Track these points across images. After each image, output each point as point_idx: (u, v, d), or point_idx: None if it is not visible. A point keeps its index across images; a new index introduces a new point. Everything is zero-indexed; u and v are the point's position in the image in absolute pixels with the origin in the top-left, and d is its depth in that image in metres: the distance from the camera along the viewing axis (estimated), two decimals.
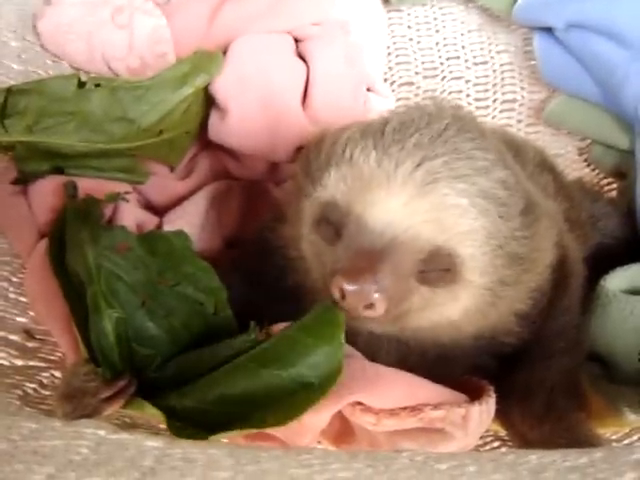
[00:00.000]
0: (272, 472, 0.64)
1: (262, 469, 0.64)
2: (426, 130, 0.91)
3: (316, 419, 0.90)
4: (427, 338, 1.00)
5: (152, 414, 0.89)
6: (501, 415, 1.04)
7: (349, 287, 0.82)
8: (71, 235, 1.08)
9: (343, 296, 0.83)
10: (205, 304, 1.03)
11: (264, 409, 0.85)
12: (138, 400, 0.91)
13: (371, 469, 0.67)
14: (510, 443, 1.13)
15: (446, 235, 0.86)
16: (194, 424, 0.86)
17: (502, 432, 1.12)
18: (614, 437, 1.11)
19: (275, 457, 0.70)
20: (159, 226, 1.27)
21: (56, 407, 0.90)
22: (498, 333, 1.03)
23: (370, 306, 0.83)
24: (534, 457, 0.73)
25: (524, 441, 1.06)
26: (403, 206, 0.85)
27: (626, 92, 1.39)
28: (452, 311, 0.93)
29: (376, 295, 0.82)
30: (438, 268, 0.88)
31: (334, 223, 0.90)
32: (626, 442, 1.10)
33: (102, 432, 0.74)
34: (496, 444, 1.15)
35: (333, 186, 0.91)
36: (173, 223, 1.27)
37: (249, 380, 0.87)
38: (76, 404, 0.89)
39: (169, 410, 0.88)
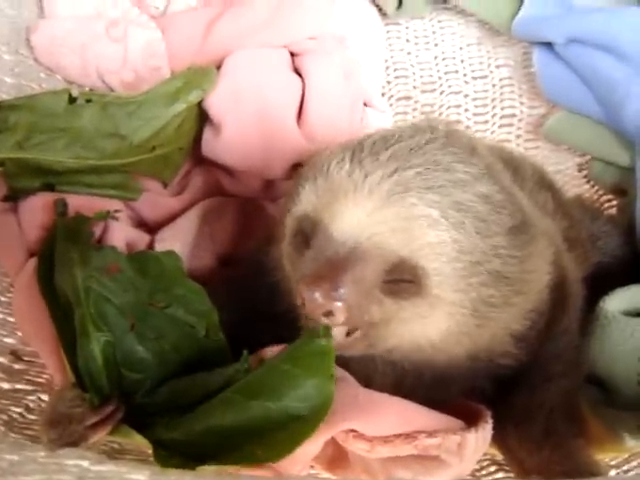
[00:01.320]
0: None
1: None
2: (406, 142, 0.90)
3: (308, 447, 0.88)
4: (417, 360, 0.98)
5: (139, 442, 0.87)
6: (498, 439, 1.02)
7: (308, 294, 0.82)
8: (60, 254, 1.06)
9: (304, 303, 0.83)
10: (196, 327, 1.01)
11: (254, 441, 0.83)
12: (125, 427, 0.89)
13: None
14: (507, 468, 1.11)
15: (411, 246, 0.85)
16: (182, 455, 0.84)
17: (499, 456, 1.10)
18: (613, 463, 1.09)
19: None
20: (151, 244, 1.26)
21: (41, 433, 0.88)
22: (494, 355, 1.01)
23: (329, 314, 0.83)
24: None
25: (522, 467, 1.03)
26: (367, 215, 0.84)
27: (627, 109, 1.38)
28: (429, 330, 0.91)
29: (335, 303, 0.82)
30: (402, 279, 0.86)
31: (305, 234, 0.90)
32: (625, 468, 1.08)
33: (85, 463, 0.72)
34: (493, 468, 1.13)
35: (307, 199, 0.91)
36: (165, 242, 1.25)
37: (237, 412, 0.85)
38: (61, 431, 0.87)
39: (157, 440, 0.85)
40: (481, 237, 0.87)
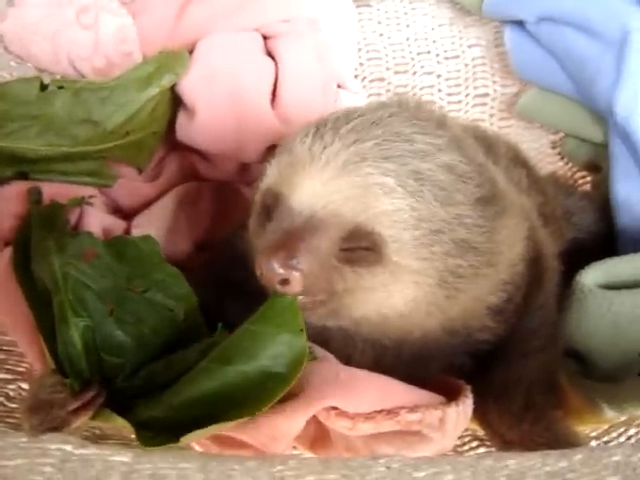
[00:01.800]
0: None
1: None
2: (369, 116, 0.91)
3: (290, 424, 0.88)
4: (394, 336, 0.99)
5: (121, 425, 0.87)
6: (479, 414, 1.03)
7: (265, 264, 0.84)
8: (36, 243, 1.05)
9: (262, 273, 0.85)
10: (175, 310, 1.01)
11: (234, 406, 0.83)
12: (107, 411, 0.89)
13: None
14: (489, 443, 1.12)
15: (367, 213, 0.86)
16: (164, 431, 0.84)
17: (480, 432, 1.11)
18: (593, 434, 1.11)
19: (247, 471, 0.68)
20: (127, 230, 1.25)
21: (23, 420, 0.88)
22: (472, 329, 1.02)
23: (285, 282, 0.85)
24: (513, 462, 0.72)
25: (503, 441, 1.05)
26: (323, 185, 0.86)
27: (598, 85, 1.39)
28: (394, 300, 0.91)
29: (291, 272, 0.84)
30: (360, 247, 0.87)
31: (268, 208, 0.92)
32: (605, 439, 1.09)
33: (68, 447, 0.72)
34: (474, 444, 1.14)
35: (271, 174, 0.94)
36: (141, 228, 1.25)
37: (214, 380, 0.86)
38: (43, 417, 0.86)
39: (138, 422, 0.85)
40: (442, 205, 0.88)
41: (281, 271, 0.84)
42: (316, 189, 0.87)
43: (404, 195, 0.86)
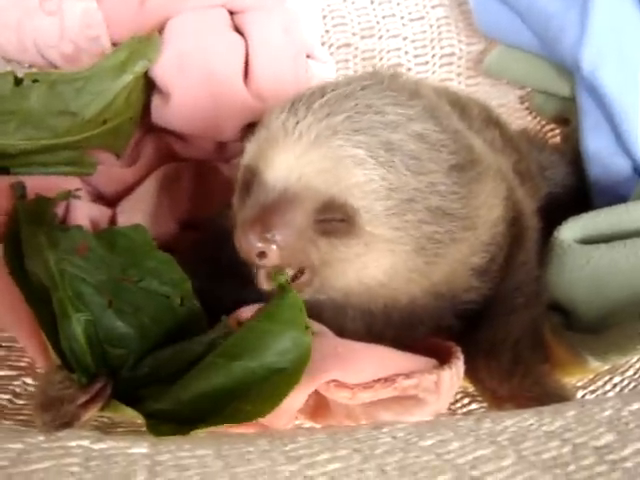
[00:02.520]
0: (263, 472, 0.65)
1: (254, 470, 0.65)
2: (341, 90, 0.93)
3: (292, 400, 0.90)
4: (381, 303, 1.02)
5: (131, 415, 0.89)
6: (469, 373, 1.06)
7: (242, 238, 0.88)
8: (27, 238, 1.06)
9: (241, 247, 0.89)
10: (171, 297, 1.02)
11: (241, 400, 0.86)
12: (115, 402, 0.91)
13: (358, 455, 0.68)
14: (480, 399, 1.16)
15: (339, 185, 0.89)
16: (173, 422, 0.86)
17: (471, 388, 1.15)
18: (579, 384, 1.15)
19: (262, 453, 0.71)
20: (113, 217, 1.26)
21: (35, 418, 0.89)
22: (458, 290, 1.05)
23: (262, 255, 0.88)
24: (510, 422, 0.75)
25: (494, 396, 1.09)
26: (296, 159, 0.89)
27: (563, 42, 1.40)
28: (372, 269, 0.94)
29: (268, 245, 0.87)
30: (334, 218, 0.90)
31: (247, 184, 0.94)
32: (592, 388, 1.13)
33: (86, 442, 0.74)
34: (466, 401, 1.18)
35: (249, 150, 0.96)
36: (127, 213, 1.26)
37: (221, 375, 0.88)
38: (55, 413, 0.88)
39: (147, 413, 0.88)
40: (414, 174, 0.90)
41: (258, 244, 0.87)
42: (289, 163, 0.89)
43: (375, 166, 0.89)
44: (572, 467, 0.60)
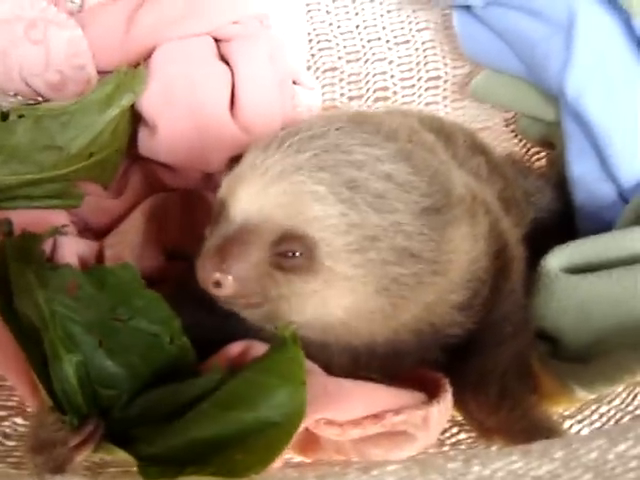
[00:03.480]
0: None
1: None
2: (314, 130, 0.95)
3: None
4: (342, 339, 1.02)
5: (123, 458, 0.89)
6: (458, 404, 1.07)
7: (200, 267, 0.92)
8: (16, 277, 1.05)
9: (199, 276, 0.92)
10: (160, 335, 1.02)
11: (233, 448, 0.85)
12: (107, 444, 0.91)
13: None
14: (468, 427, 1.16)
15: (298, 218, 0.90)
16: (164, 464, 0.87)
17: (460, 417, 1.15)
18: (567, 413, 1.15)
19: None
20: (100, 251, 1.26)
21: (27, 461, 0.90)
22: (439, 326, 1.05)
23: (217, 284, 0.90)
24: (499, 464, 0.75)
25: (482, 428, 1.10)
26: (257, 193, 0.91)
27: (549, 68, 1.41)
28: (330, 307, 0.94)
29: (224, 275, 0.90)
30: (294, 252, 0.91)
31: (216, 217, 0.97)
32: (579, 417, 1.14)
33: None
34: (455, 430, 1.18)
35: (223, 185, 0.98)
36: (114, 248, 1.25)
37: (214, 424, 0.88)
38: (47, 456, 0.88)
39: (140, 457, 0.88)
40: (376, 212, 0.90)
41: (214, 274, 0.89)
42: (251, 197, 0.91)
43: (335, 202, 0.89)
44: None
